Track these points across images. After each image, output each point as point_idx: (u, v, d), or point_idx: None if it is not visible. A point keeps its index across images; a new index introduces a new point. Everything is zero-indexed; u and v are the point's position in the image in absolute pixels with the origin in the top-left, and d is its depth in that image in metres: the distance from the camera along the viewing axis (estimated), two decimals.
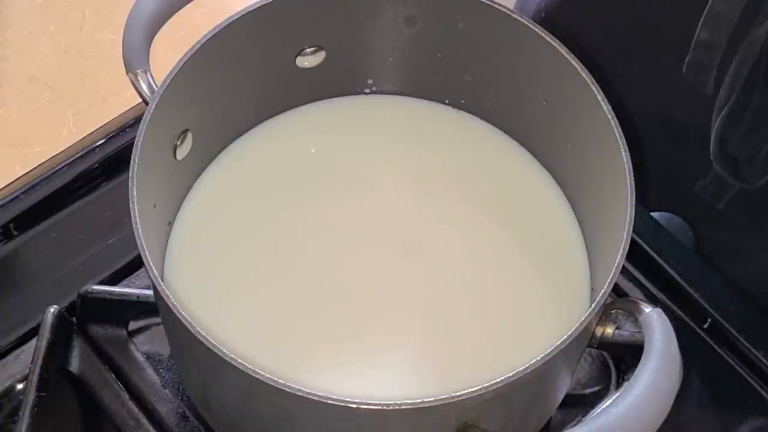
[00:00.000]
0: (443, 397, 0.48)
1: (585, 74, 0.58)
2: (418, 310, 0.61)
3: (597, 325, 0.54)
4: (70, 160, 0.73)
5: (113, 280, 0.68)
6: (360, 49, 0.65)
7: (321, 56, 0.65)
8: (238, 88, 0.63)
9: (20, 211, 0.71)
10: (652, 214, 0.73)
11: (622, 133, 0.56)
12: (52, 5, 0.88)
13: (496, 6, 0.60)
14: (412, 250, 0.63)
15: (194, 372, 0.57)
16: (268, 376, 0.48)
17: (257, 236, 0.63)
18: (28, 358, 0.65)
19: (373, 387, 0.58)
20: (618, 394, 0.57)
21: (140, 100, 0.57)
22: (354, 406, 0.48)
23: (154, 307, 0.60)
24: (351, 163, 0.66)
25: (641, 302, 0.52)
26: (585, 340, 0.55)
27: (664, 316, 0.51)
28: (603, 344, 0.57)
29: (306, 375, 0.57)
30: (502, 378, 0.48)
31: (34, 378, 0.62)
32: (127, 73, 0.57)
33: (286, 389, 0.47)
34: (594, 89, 0.57)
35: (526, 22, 0.59)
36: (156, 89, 0.56)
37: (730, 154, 0.69)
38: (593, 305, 0.51)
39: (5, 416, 0.64)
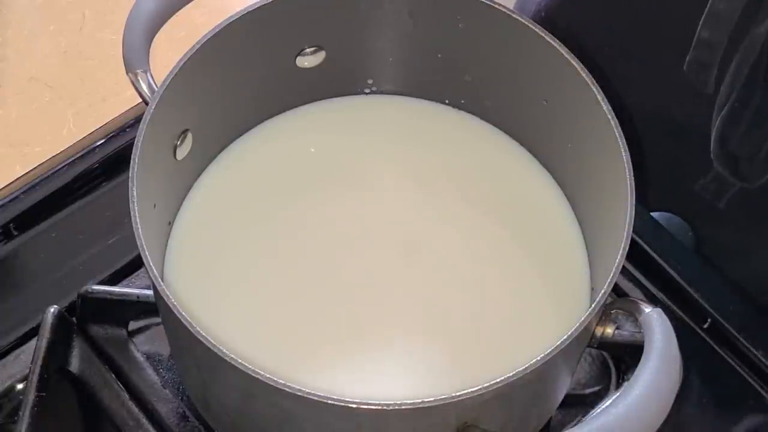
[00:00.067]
0: (443, 397, 0.48)
1: (585, 74, 0.58)
2: (418, 310, 0.61)
3: (597, 325, 0.54)
4: (70, 160, 0.73)
5: (113, 280, 0.68)
6: (360, 49, 0.65)
7: (321, 56, 0.65)
8: (238, 88, 0.63)
9: (20, 211, 0.71)
10: (652, 214, 0.73)
11: (622, 133, 0.56)
12: (52, 5, 0.88)
13: (496, 6, 0.60)
14: (412, 250, 0.63)
15: (194, 372, 0.57)
16: (268, 376, 0.48)
17: (257, 236, 0.63)
18: (28, 358, 0.65)
19: (373, 387, 0.58)
20: (618, 394, 0.57)
21: (140, 100, 0.57)
22: (354, 406, 0.48)
23: (154, 307, 0.60)
24: (351, 163, 0.66)
25: (641, 302, 0.52)
26: (585, 340, 0.55)
27: (664, 316, 0.51)
28: (603, 344, 0.57)
29: (306, 375, 0.57)
30: (502, 378, 0.48)
31: (34, 378, 0.62)
32: (127, 73, 0.57)
33: (286, 389, 0.47)
34: (594, 89, 0.57)
35: (526, 22, 0.59)
36: (156, 89, 0.56)
37: (730, 152, 0.69)
38: (593, 305, 0.51)
39: (5, 416, 0.64)
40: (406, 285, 0.61)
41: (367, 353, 0.60)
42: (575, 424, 0.52)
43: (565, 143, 0.62)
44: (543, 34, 0.59)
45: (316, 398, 0.47)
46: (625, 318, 0.65)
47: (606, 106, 0.57)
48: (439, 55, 0.65)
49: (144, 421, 0.63)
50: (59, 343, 0.64)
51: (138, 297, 0.65)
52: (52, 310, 0.64)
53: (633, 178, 0.54)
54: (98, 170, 0.72)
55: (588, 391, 0.66)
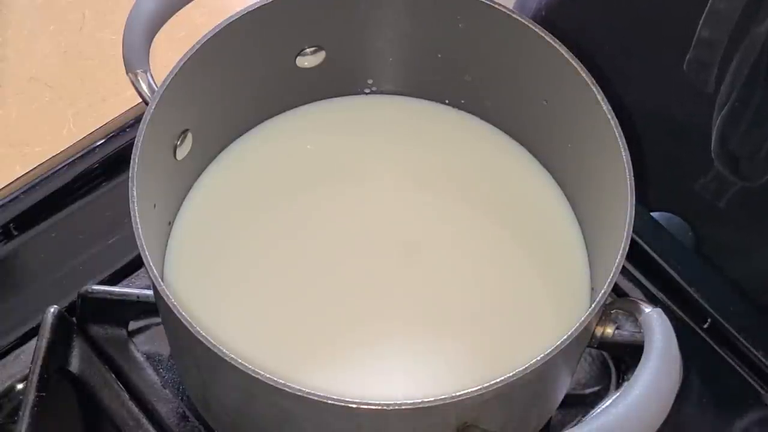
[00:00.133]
0: (443, 397, 0.48)
1: (585, 74, 0.58)
2: (418, 310, 0.61)
3: (597, 325, 0.54)
4: (70, 160, 0.73)
5: (113, 280, 0.68)
6: (360, 49, 0.65)
7: (321, 56, 0.65)
8: (238, 88, 0.63)
9: (20, 211, 0.71)
10: (652, 214, 0.73)
11: (622, 133, 0.56)
12: (52, 5, 0.88)
13: (496, 6, 0.60)
14: (412, 250, 0.62)
15: (194, 372, 0.57)
16: (268, 376, 0.48)
17: (257, 236, 0.63)
18: (28, 358, 0.65)
19: (373, 387, 0.58)
20: (618, 394, 0.57)
21: (140, 100, 0.57)
22: (354, 406, 0.48)
23: (154, 307, 0.60)
24: (351, 163, 0.66)
25: (641, 302, 0.52)
26: (585, 340, 0.55)
27: (664, 316, 0.51)
28: (603, 344, 0.57)
29: (306, 375, 0.57)
30: (502, 378, 0.48)
31: (34, 378, 0.62)
32: (127, 73, 0.57)
33: (286, 389, 0.47)
34: (594, 89, 0.57)
35: (526, 22, 0.59)
36: (156, 89, 0.56)
37: (731, 151, 0.69)
38: (593, 305, 0.51)
39: (5, 416, 0.64)
40: (406, 285, 0.61)
41: (367, 353, 0.60)
42: (575, 424, 0.52)
43: (565, 143, 0.62)
44: (543, 34, 0.59)
45: (316, 398, 0.47)
46: (625, 318, 0.65)
47: (606, 106, 0.57)
48: (439, 55, 0.65)
49: (144, 421, 0.63)
50: (59, 343, 0.64)
51: (138, 297, 0.65)
52: (52, 310, 0.64)
53: (633, 177, 0.54)
54: (98, 170, 0.72)
55: (588, 391, 0.66)
